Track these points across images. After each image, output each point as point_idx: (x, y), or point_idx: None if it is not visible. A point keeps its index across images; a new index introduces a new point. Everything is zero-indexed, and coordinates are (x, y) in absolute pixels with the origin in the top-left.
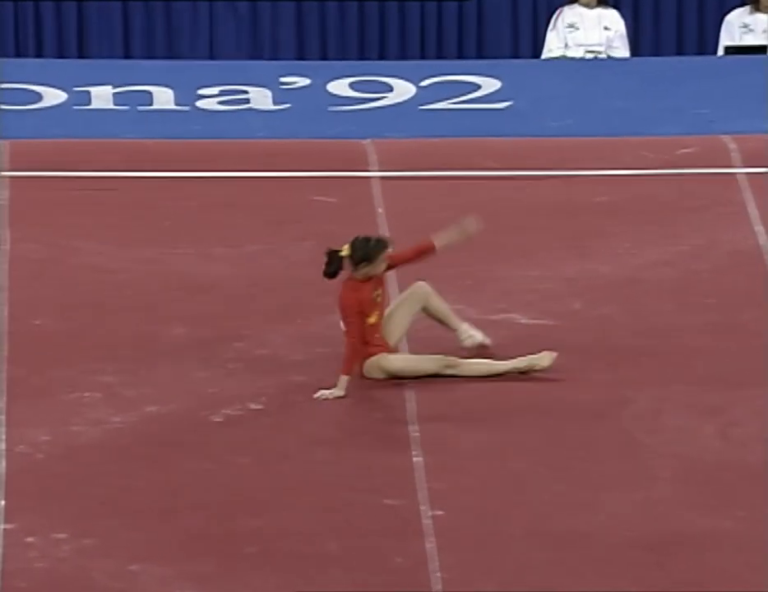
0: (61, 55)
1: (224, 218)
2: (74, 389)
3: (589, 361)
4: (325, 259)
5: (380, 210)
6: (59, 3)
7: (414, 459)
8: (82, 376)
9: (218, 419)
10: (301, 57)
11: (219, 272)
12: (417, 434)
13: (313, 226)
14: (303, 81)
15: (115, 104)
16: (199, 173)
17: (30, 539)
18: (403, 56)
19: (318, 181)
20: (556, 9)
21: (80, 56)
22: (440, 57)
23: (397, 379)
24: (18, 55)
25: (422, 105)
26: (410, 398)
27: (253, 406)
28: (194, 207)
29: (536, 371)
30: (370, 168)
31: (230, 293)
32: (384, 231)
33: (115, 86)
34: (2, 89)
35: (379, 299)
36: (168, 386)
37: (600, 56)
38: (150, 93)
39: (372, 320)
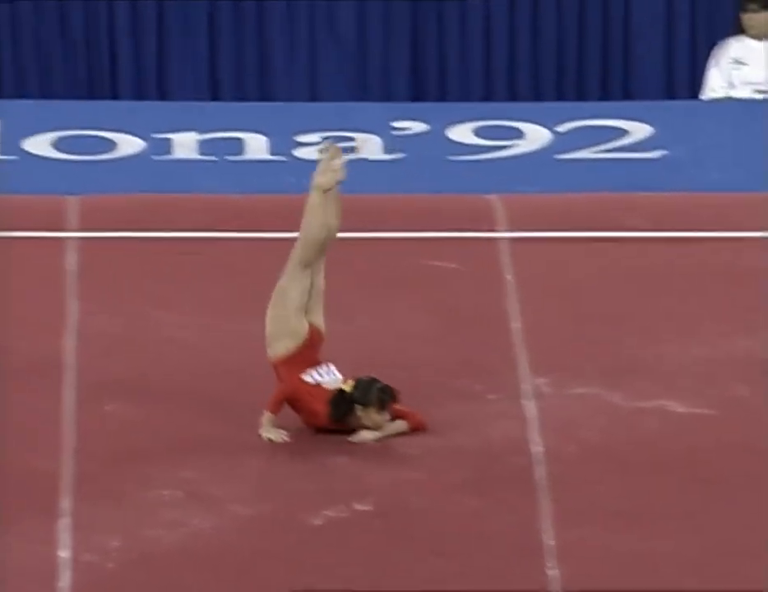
0: (139, 97)
1: (327, 284)
2: (150, 486)
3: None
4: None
5: (508, 277)
6: (137, 39)
7: (549, 572)
8: (160, 471)
9: (318, 522)
10: (417, 98)
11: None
12: (552, 542)
13: (431, 295)
14: (419, 126)
15: (200, 154)
16: (297, 234)
17: None
18: (536, 97)
19: (436, 242)
20: (718, 41)
21: (161, 98)
22: (580, 98)
23: None
24: (91, 97)
25: (558, 154)
26: (543, 497)
27: (359, 507)
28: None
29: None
30: (497, 228)
31: None
32: (513, 301)
33: (200, 133)
34: (73, 136)
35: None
36: (260, 482)
37: None
38: (240, 140)
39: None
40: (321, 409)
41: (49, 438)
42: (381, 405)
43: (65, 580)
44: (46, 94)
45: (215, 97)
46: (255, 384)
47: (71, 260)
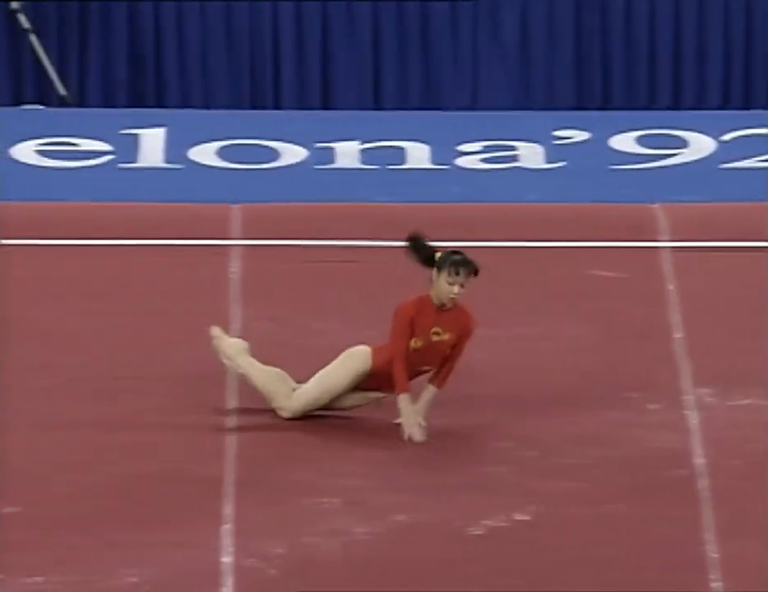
0: (301, 106)
1: (487, 293)
2: (310, 494)
3: None
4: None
5: (671, 287)
6: (301, 49)
7: (712, 585)
8: (321, 478)
9: (478, 532)
10: (579, 106)
11: (483, 357)
12: (716, 555)
13: (593, 305)
14: (581, 135)
15: (362, 163)
16: (458, 243)
17: None
18: (700, 104)
19: (598, 252)
20: None
21: (324, 107)
22: (746, 106)
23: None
24: (254, 107)
25: (723, 163)
26: (706, 510)
27: (519, 517)
28: None
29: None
30: (660, 238)
31: (495, 382)
32: (675, 312)
33: (363, 142)
34: (236, 145)
35: (435, 339)
36: (420, 491)
37: None
38: (402, 149)
39: (413, 345)
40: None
41: (212, 445)
42: (456, 271)
43: (228, 584)
44: (210, 104)
45: (378, 106)
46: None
47: (234, 267)
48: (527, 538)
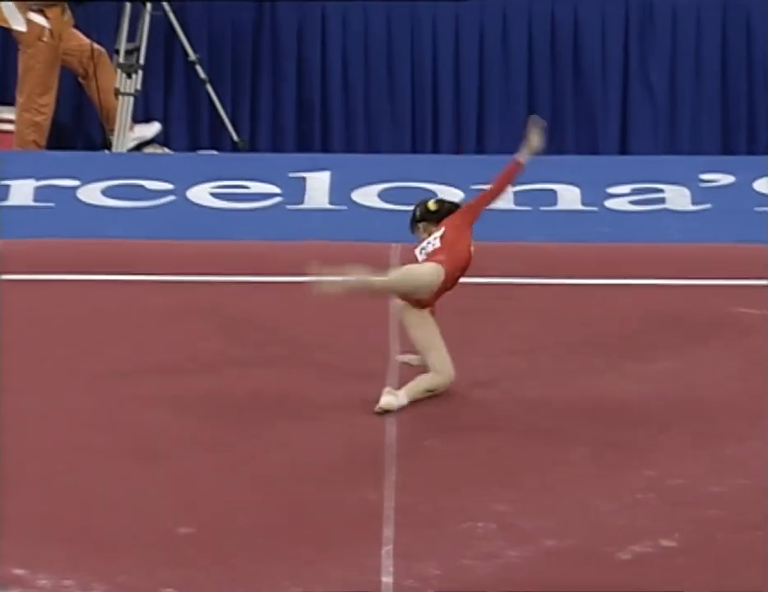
0: (457, 150)
1: (635, 328)
2: (466, 518)
3: None
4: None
5: None
6: (458, 97)
7: None
8: (475, 503)
9: (625, 557)
10: (725, 151)
11: (630, 390)
12: None
13: (737, 342)
14: (727, 179)
15: (516, 204)
16: (607, 280)
17: None
18: None
19: (742, 290)
20: None
21: (479, 151)
22: None
23: None
24: (414, 151)
25: None
26: None
27: (665, 543)
28: (601, 316)
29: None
30: None
31: (641, 414)
32: None
33: (516, 184)
34: (397, 188)
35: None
36: (570, 516)
37: None
38: (554, 191)
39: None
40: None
41: (373, 471)
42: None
43: None
44: (373, 148)
45: None
46: (563, 419)
47: (395, 302)
48: (672, 563)
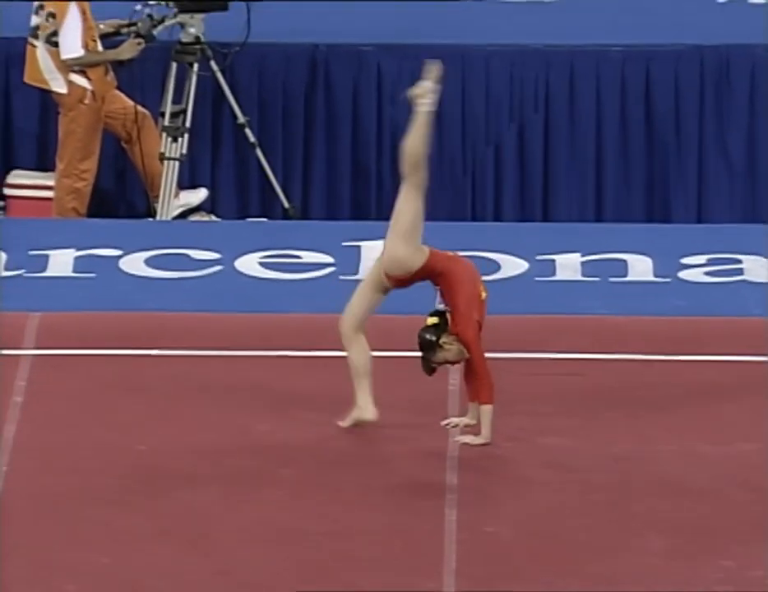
0: (523, 218)
1: (709, 408)
2: None
3: None
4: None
5: None
6: (521, 163)
7: None
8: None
9: None
10: None
11: (706, 473)
12: None
13: None
14: None
15: (584, 275)
16: (681, 357)
17: None
18: None
19: None
20: None
21: (545, 219)
22: None
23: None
24: (474, 219)
25: None
26: None
27: None
28: (675, 394)
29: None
30: None
31: (718, 499)
32: None
33: (584, 254)
34: None
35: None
36: None
37: None
38: (624, 262)
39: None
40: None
41: (431, 557)
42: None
43: None
44: (433, 216)
45: (599, 218)
46: (634, 503)
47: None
48: None
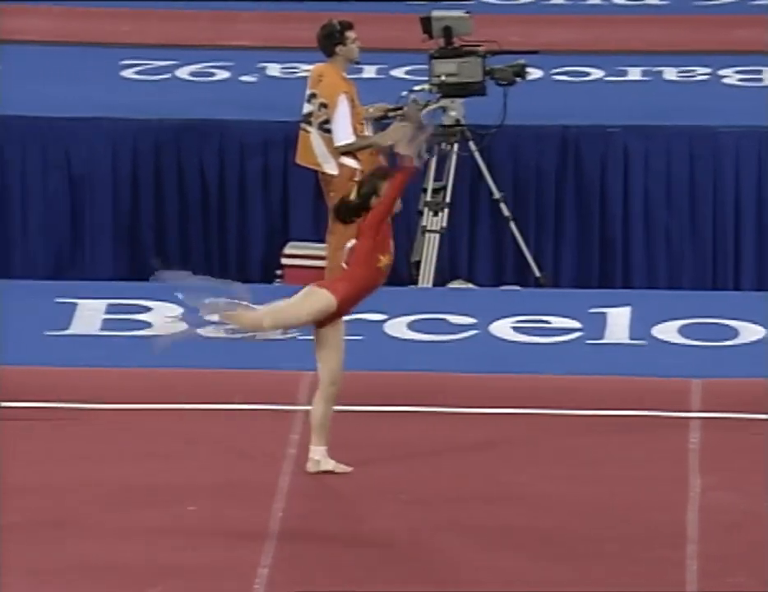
0: (760, 287)
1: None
2: None
3: None
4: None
5: None
6: (760, 232)
7: None
8: None
9: None
10: None
11: None
12: None
13: None
14: None
15: None
16: None
17: None
18: None
19: None
20: None
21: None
22: None
23: None
24: (715, 287)
25: None
26: None
27: None
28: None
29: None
30: None
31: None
32: None
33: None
34: (699, 324)
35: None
36: None
37: None
38: None
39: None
40: None
41: None
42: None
43: None
44: (674, 285)
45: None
46: None
47: (693, 437)
48: None
